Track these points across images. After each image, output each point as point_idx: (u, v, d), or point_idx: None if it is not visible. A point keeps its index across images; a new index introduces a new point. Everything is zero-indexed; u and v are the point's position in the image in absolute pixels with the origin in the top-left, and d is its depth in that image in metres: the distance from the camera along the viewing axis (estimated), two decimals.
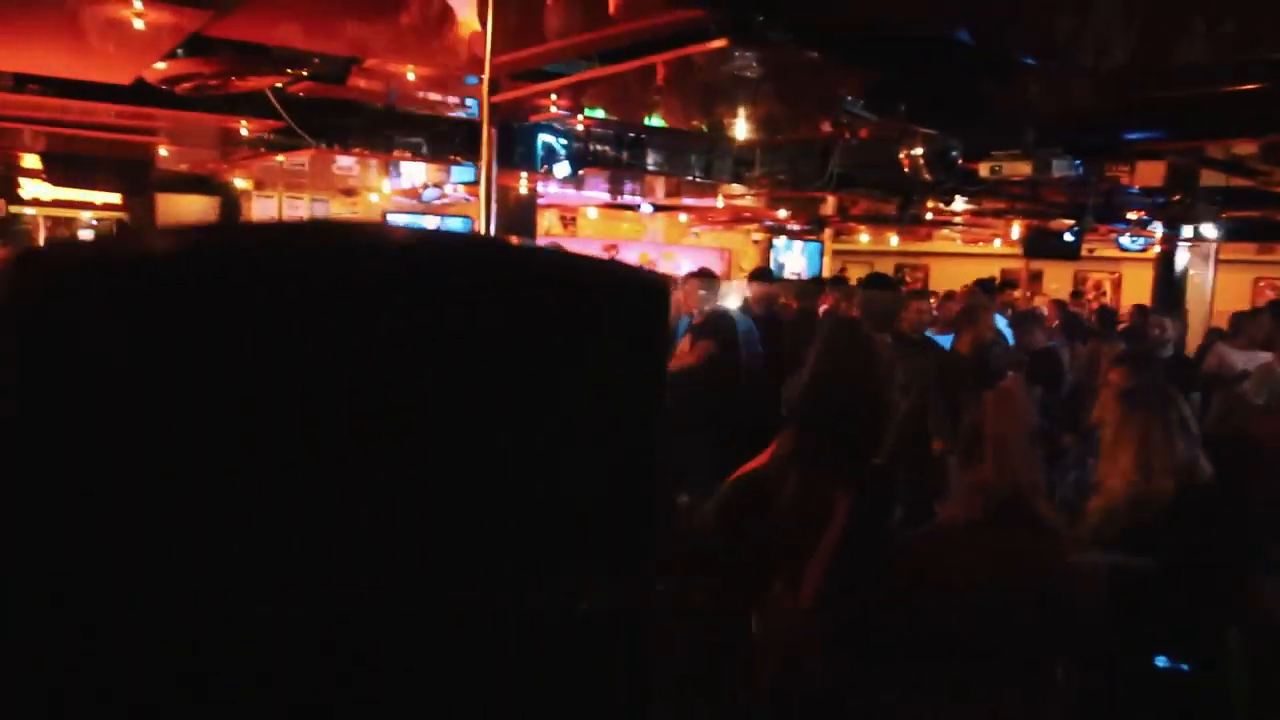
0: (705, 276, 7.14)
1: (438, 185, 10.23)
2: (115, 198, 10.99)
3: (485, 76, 5.17)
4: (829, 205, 12.71)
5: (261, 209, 12.28)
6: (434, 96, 7.16)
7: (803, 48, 3.95)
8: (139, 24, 3.68)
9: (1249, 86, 5.45)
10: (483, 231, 5.38)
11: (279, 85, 5.92)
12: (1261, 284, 16.24)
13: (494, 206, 5.54)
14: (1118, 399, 3.45)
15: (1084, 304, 15.11)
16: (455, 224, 13.51)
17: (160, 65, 4.71)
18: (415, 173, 9.65)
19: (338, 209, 12.80)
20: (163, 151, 8.49)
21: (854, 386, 3.02)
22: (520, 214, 8.49)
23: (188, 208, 11.29)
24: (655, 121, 7.69)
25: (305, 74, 5.32)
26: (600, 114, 7.30)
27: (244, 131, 7.07)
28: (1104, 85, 5.57)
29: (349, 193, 12.39)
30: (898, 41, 4.56)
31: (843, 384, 3.04)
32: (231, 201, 11.65)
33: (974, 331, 5.65)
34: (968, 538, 2.81)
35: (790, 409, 3.37)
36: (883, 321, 5.59)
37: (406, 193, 11.98)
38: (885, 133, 6.64)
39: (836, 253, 19.43)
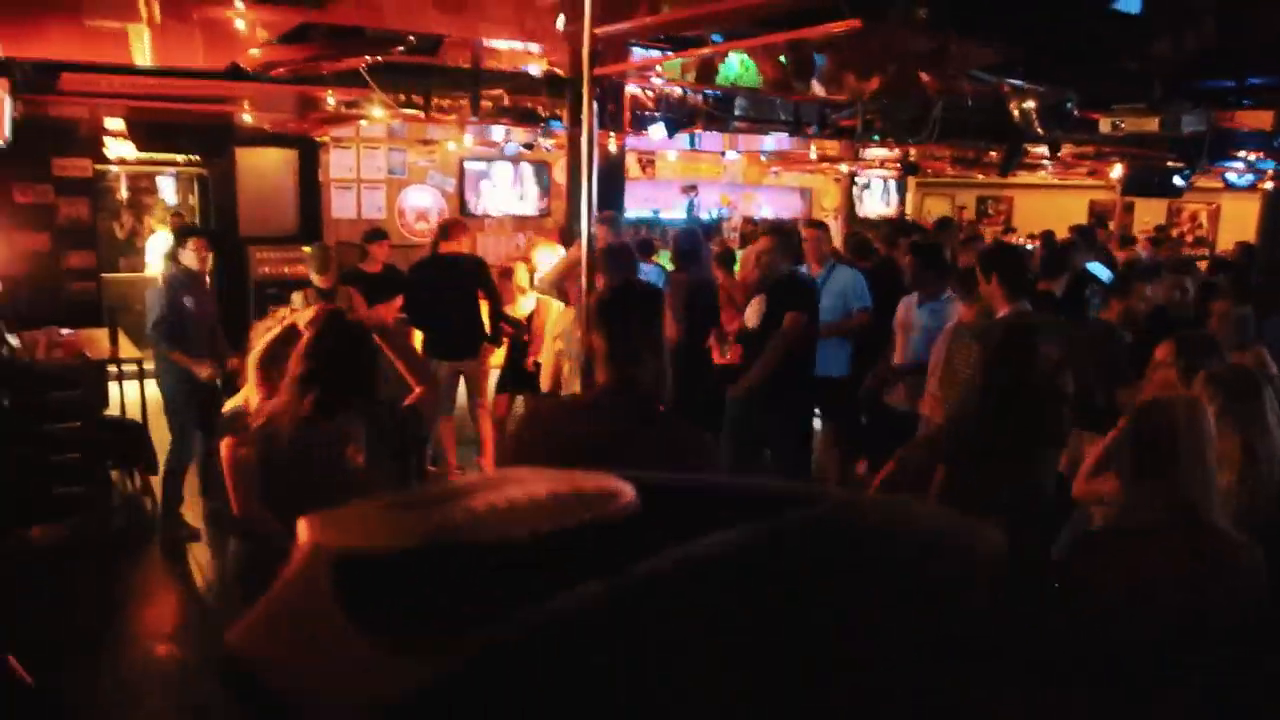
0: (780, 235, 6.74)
1: (523, 142, 10.05)
2: (195, 156, 11.01)
3: (585, 49, 4.99)
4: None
5: (338, 161, 12.24)
6: (523, 48, 6.97)
7: (934, 28, 3.68)
8: (240, 24, 3.54)
9: None
10: (584, 194, 5.27)
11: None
12: None
13: (595, 176, 5.40)
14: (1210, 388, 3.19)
15: (1175, 240, 14.54)
16: (534, 172, 13.33)
17: (254, 52, 4.57)
18: (497, 126, 9.47)
19: (415, 158, 12.71)
20: (246, 117, 8.41)
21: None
22: (610, 172, 8.30)
23: (267, 161, 11.28)
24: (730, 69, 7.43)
25: (399, 51, 5.14)
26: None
27: (331, 102, 6.95)
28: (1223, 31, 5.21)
29: (427, 143, 12.28)
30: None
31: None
32: (310, 155, 11.61)
33: (1126, 303, 5.32)
34: (1152, 545, 2.67)
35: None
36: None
37: (487, 142, 11.84)
38: (995, 88, 6.31)
39: (919, 185, 18.91)
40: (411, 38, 5.06)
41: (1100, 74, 5.80)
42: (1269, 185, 11.84)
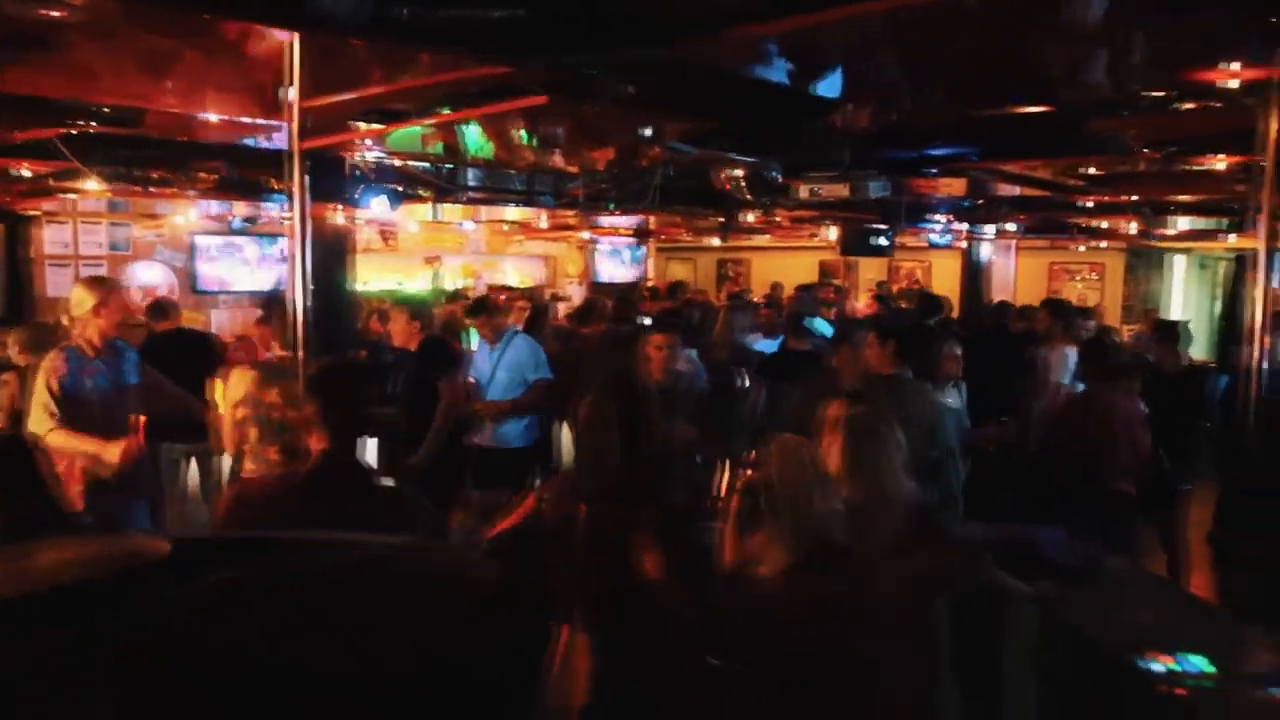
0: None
1: (245, 217, 9.80)
2: None
3: (294, 123, 4.97)
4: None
5: (53, 237, 11.50)
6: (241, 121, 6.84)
7: (620, 102, 3.91)
8: None
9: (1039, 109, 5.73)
10: (299, 267, 5.20)
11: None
12: (1056, 268, 17.28)
13: (309, 247, 5.36)
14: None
15: (895, 293, 15.76)
16: (268, 246, 12.97)
17: None
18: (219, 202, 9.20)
19: (140, 233, 12.12)
20: None
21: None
22: (338, 242, 8.20)
23: None
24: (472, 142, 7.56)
25: (91, 126, 4.94)
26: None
27: (26, 174, 6.56)
28: (912, 111, 5.78)
29: (153, 217, 11.75)
30: (713, 85, 4.59)
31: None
32: (17, 230, 10.87)
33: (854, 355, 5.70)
34: (788, 584, 2.92)
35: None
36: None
37: (217, 216, 11.46)
38: (706, 158, 6.71)
39: (660, 250, 19.63)
40: (107, 109, 4.89)
41: (796, 145, 6.28)
42: (964, 244, 13.11)
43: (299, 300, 5.08)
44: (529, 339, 7.16)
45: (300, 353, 4.89)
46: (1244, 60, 3.81)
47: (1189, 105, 4.61)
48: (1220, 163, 5.78)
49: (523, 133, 6.77)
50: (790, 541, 2.96)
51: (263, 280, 12.99)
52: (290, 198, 5.22)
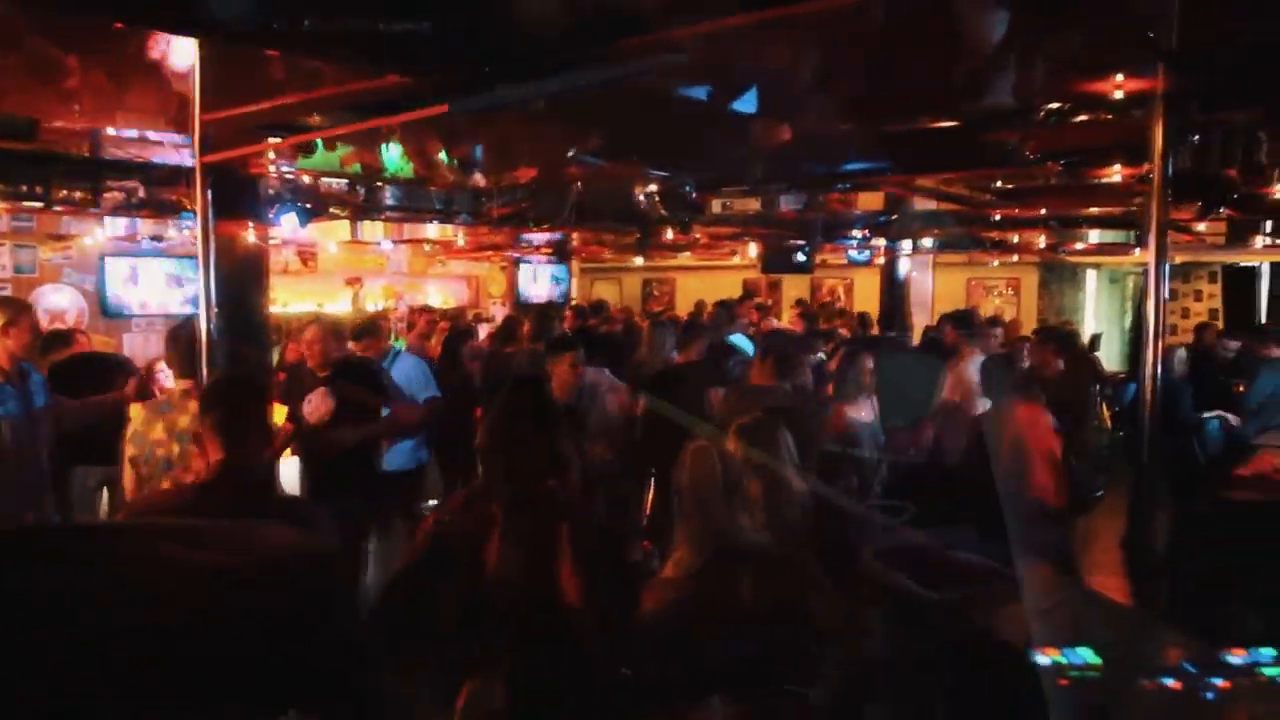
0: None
1: (153, 236, 9.60)
2: None
3: (196, 135, 4.90)
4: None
5: None
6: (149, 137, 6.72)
7: (526, 113, 3.92)
8: None
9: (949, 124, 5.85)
10: (206, 287, 5.11)
11: None
12: (974, 284, 17.63)
13: (213, 264, 5.29)
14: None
15: (818, 310, 15.95)
16: (182, 266, 12.71)
17: None
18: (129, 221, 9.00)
19: (47, 254, 11.81)
20: None
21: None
22: (251, 263, 8.05)
23: None
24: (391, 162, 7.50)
25: None
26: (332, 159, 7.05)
27: None
28: (824, 125, 5.86)
29: (60, 238, 11.46)
30: (621, 98, 4.61)
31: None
32: None
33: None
34: (696, 585, 2.94)
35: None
36: None
37: (128, 237, 11.21)
38: (620, 172, 6.73)
39: (585, 270, 19.65)
40: None
41: (708, 160, 6.34)
42: (881, 260, 13.32)
43: (203, 321, 4.98)
44: (415, 358, 7.10)
45: (205, 374, 4.79)
46: (1128, 72, 3.94)
47: (1083, 117, 4.75)
48: (1116, 175, 5.96)
49: (442, 154, 6.76)
50: (697, 543, 2.98)
51: (178, 302, 12.72)
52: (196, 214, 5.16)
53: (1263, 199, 6.99)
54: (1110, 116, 4.60)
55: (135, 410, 4.50)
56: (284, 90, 4.53)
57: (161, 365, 7.30)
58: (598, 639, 2.77)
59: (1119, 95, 4.11)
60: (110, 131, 6.04)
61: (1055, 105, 4.68)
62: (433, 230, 11.91)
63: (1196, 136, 4.86)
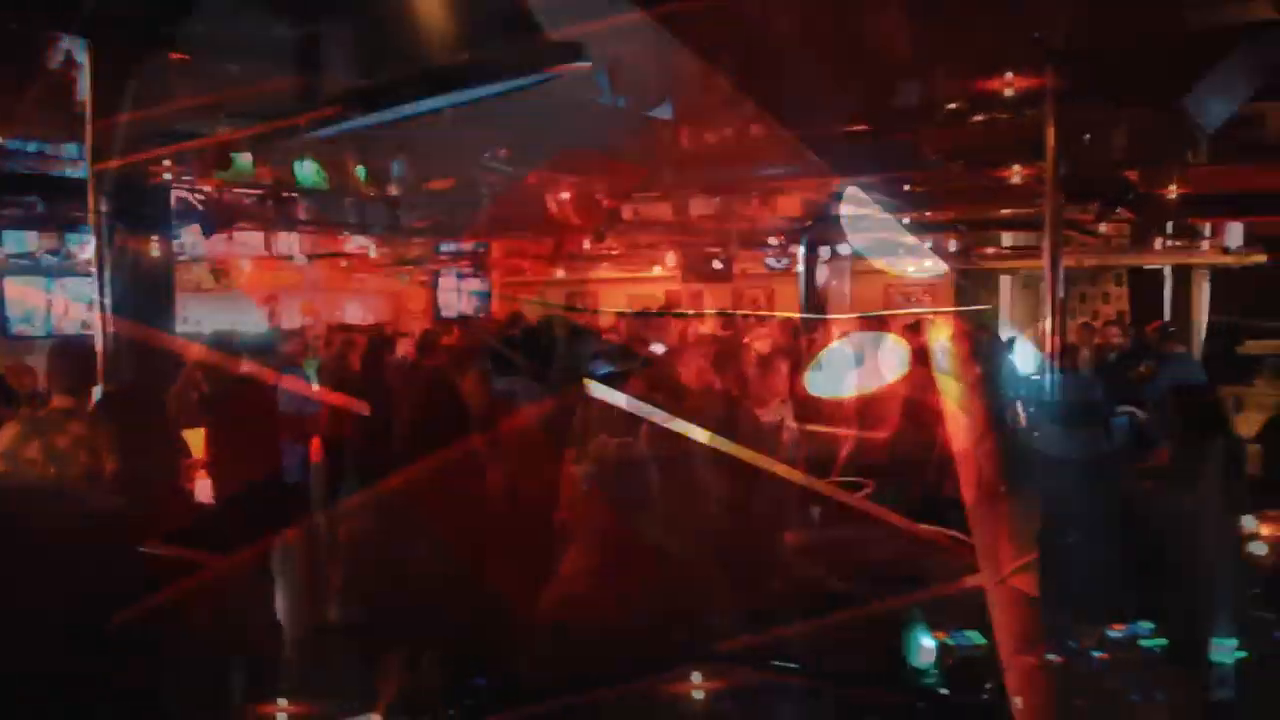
0: None
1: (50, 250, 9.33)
2: None
3: (88, 143, 4.78)
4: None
5: None
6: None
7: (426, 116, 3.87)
8: None
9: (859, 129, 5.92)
10: (101, 300, 4.96)
11: None
12: (891, 290, 17.86)
13: (107, 275, 5.16)
14: None
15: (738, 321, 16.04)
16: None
17: None
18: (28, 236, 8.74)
19: None
20: None
21: None
22: (156, 276, 7.85)
23: None
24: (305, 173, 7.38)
25: None
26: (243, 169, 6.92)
27: None
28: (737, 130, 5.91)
29: None
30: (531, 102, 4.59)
31: None
32: None
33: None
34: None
35: None
36: None
37: (24, 255, 10.88)
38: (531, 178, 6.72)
39: (507, 283, 19.52)
40: None
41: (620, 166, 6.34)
42: (801, 268, 13.46)
43: (99, 337, 4.85)
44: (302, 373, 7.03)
45: (100, 389, 4.63)
46: (1017, 70, 4.03)
47: (980, 117, 4.85)
48: (1016, 176, 6.09)
49: (360, 168, 6.68)
50: (589, 543, 2.94)
51: (83, 321, 12.31)
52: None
53: (1160, 199, 7.19)
54: (1006, 115, 4.70)
55: (8, 426, 4.22)
56: (179, 95, 4.45)
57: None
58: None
59: (1010, 93, 4.21)
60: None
61: (953, 105, 4.77)
62: (348, 243, 11.76)
63: (1088, 136, 4.98)
